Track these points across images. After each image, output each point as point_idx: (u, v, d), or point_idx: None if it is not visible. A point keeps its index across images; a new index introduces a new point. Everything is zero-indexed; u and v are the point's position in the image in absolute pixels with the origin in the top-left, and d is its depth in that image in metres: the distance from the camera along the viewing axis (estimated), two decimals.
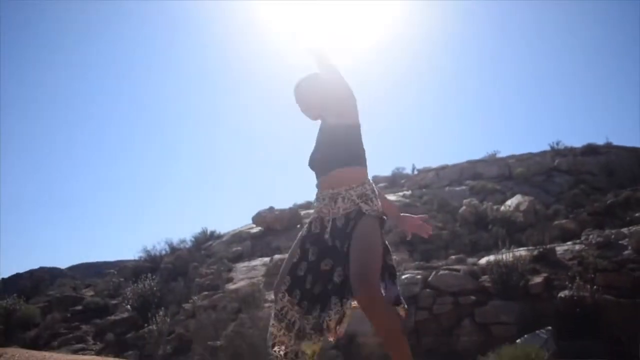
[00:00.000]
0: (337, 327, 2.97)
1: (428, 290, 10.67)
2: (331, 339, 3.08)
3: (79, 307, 18.57)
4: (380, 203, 3.20)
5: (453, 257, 13.18)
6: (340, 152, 3.15)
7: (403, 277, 11.02)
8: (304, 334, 3.12)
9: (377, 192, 3.22)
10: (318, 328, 3.05)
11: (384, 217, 3.18)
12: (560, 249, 12.03)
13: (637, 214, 15.10)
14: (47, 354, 4.85)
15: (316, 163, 3.28)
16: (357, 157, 3.20)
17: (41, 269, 35.81)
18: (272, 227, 22.10)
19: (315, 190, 3.34)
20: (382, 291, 2.97)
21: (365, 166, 3.22)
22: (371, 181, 3.23)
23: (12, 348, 6.61)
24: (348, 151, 3.17)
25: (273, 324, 3.21)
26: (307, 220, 3.42)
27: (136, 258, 23.70)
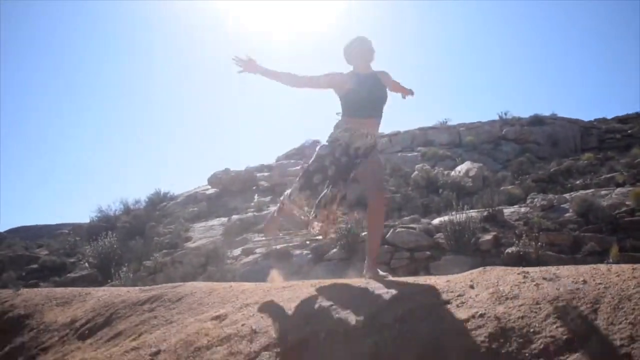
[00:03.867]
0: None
1: (386, 246, 11.26)
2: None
3: (35, 266, 18.47)
4: None
5: (407, 217, 13.79)
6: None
7: (362, 234, 11.58)
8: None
9: None
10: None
11: None
12: (507, 211, 12.83)
13: (577, 181, 16.09)
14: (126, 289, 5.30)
15: (379, 105, 4.28)
16: None
17: None
18: (228, 188, 22.34)
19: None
20: None
21: None
22: None
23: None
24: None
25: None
26: (330, 143, 4.21)
27: (76, 221, 23.89)
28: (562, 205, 12.63)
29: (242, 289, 4.20)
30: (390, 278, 3.92)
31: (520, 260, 9.90)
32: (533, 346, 2.02)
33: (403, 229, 11.66)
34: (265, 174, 24.04)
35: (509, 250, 10.28)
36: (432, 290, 2.83)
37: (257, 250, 13.31)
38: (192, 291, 4.51)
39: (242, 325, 3.26)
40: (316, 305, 3.18)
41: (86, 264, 16.88)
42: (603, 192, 13.28)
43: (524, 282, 2.57)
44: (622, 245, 9.87)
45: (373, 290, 3.17)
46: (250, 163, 26.90)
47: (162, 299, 4.54)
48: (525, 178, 17.75)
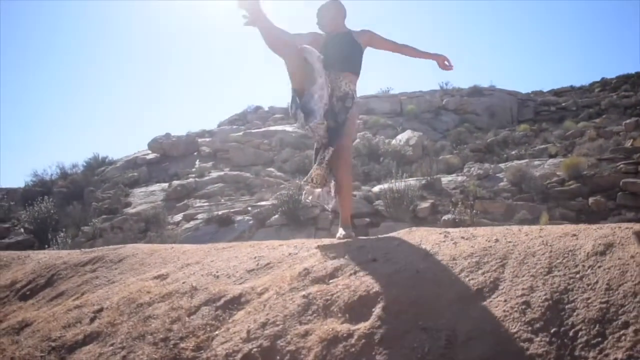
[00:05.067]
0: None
1: (327, 212, 11.44)
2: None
3: None
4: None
5: None
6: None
7: (304, 201, 11.71)
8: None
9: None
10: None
11: None
12: (445, 179, 13.20)
13: (513, 152, 16.63)
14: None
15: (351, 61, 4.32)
16: None
17: None
18: (169, 153, 22.08)
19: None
20: None
21: None
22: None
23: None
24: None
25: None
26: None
27: (10, 186, 23.25)
28: (497, 175, 13.08)
29: (183, 250, 4.31)
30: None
31: (455, 227, 10.23)
32: (448, 295, 2.25)
33: None
34: (207, 139, 23.84)
35: (445, 217, 10.60)
36: (360, 249, 3.04)
37: (199, 216, 13.29)
38: (133, 252, 4.59)
39: (183, 283, 3.38)
40: (254, 264, 3.34)
41: (22, 230, 16.48)
42: (536, 163, 13.81)
43: (444, 241, 2.83)
44: (552, 213, 10.33)
45: (306, 249, 3.37)
46: (192, 128, 26.55)
47: (104, 260, 4.61)
48: (464, 147, 18.23)
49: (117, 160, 24.27)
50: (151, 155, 22.79)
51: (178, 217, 13.91)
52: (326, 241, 3.61)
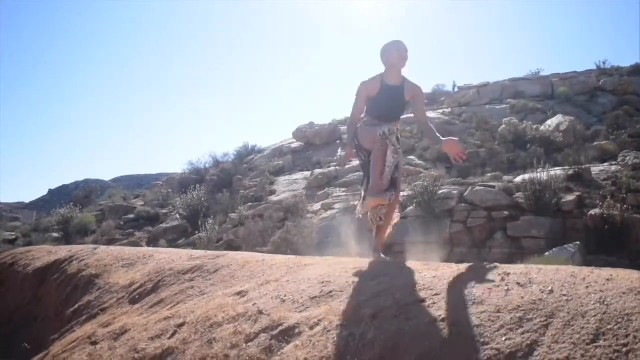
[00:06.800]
0: None
1: (463, 204, 11.09)
2: None
3: (131, 216, 19.74)
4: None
5: (489, 174, 13.44)
6: None
7: (440, 192, 11.46)
8: None
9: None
10: None
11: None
12: (596, 169, 12.18)
13: None
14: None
15: (397, 112, 4.66)
16: None
17: (86, 180, 36.76)
18: (312, 142, 22.60)
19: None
20: None
21: None
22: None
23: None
24: None
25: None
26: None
27: (174, 171, 24.96)
28: None
29: (272, 264, 4.43)
30: (388, 260, 4.39)
31: (603, 223, 9.46)
32: (478, 356, 2.06)
33: (482, 187, 11.40)
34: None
35: (592, 212, 9.81)
36: (413, 286, 2.92)
37: (336, 205, 13.46)
38: (229, 263, 4.83)
39: (253, 304, 3.48)
40: (319, 290, 3.34)
41: (177, 215, 17.73)
42: None
43: (497, 286, 2.61)
44: None
45: (366, 279, 3.31)
46: (336, 116, 26.90)
47: (202, 270, 4.90)
48: (621, 133, 16.76)
49: (264, 149, 25.29)
50: (296, 144, 23.46)
51: (317, 206, 14.19)
52: (400, 267, 3.53)
